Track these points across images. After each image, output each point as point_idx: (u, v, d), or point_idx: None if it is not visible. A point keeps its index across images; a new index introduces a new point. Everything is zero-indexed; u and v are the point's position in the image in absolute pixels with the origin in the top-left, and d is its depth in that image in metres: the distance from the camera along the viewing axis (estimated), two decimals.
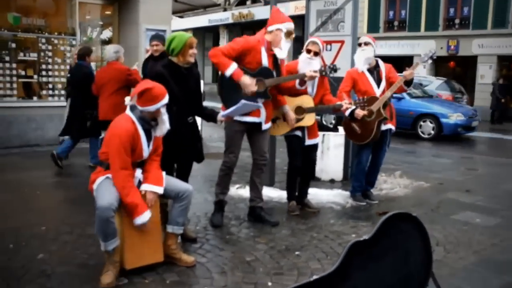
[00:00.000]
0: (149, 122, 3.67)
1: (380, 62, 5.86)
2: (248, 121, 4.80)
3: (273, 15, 4.91)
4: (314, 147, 5.49)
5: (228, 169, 4.95)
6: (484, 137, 14.55)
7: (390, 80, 5.79)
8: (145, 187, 3.70)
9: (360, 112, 5.49)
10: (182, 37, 4.18)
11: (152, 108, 3.63)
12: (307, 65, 5.10)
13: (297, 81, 5.10)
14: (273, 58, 4.84)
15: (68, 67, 9.95)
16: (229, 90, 4.74)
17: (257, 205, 5.11)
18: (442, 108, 13.37)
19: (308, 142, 5.36)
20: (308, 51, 5.17)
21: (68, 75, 8.60)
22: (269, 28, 4.79)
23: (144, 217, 3.58)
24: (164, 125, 3.75)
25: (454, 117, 13.02)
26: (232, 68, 4.58)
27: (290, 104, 5.18)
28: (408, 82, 5.69)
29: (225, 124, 4.88)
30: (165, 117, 3.73)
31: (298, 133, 5.30)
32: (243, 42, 4.73)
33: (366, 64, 5.70)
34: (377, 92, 5.70)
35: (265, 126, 4.96)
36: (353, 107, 5.29)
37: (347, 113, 5.54)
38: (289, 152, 5.42)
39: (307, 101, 5.21)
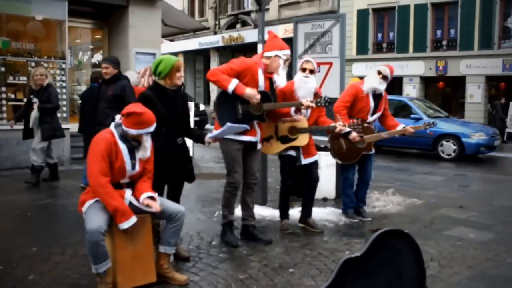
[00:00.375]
0: (129, 140, 3.67)
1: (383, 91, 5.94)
2: (245, 140, 4.82)
3: (271, 41, 4.96)
4: (314, 164, 5.44)
5: (234, 190, 4.91)
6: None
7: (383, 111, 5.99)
8: (144, 195, 3.68)
9: (356, 137, 5.60)
10: (169, 60, 4.18)
11: (133, 131, 3.62)
12: (303, 84, 5.17)
13: (293, 108, 5.11)
14: (270, 81, 4.91)
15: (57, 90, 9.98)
16: (224, 110, 4.77)
17: (250, 223, 5.09)
18: (463, 127, 13.07)
19: (305, 161, 5.34)
20: (304, 70, 5.22)
21: (79, 98, 8.58)
22: (267, 54, 4.86)
23: (130, 221, 3.52)
24: (145, 151, 3.73)
25: (476, 137, 12.65)
26: (234, 83, 4.63)
27: (284, 124, 5.21)
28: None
29: (222, 147, 4.88)
30: (147, 144, 3.72)
31: (292, 152, 5.29)
32: (240, 62, 4.79)
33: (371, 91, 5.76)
34: (370, 118, 5.80)
35: (258, 146, 5.03)
36: (348, 129, 5.32)
37: (343, 131, 5.56)
38: (282, 171, 5.41)
39: (301, 122, 5.22)
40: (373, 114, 5.87)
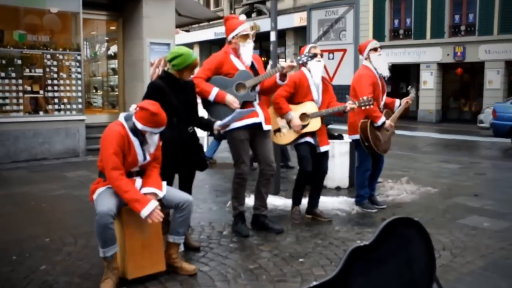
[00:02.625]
0: (138, 134, 3.68)
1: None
2: (248, 123, 4.77)
3: (225, 25, 5.00)
4: (325, 155, 5.42)
5: (242, 180, 4.90)
6: (492, 142, 14.42)
7: None
8: (145, 190, 3.69)
9: (390, 124, 5.71)
10: (187, 58, 4.14)
11: (139, 125, 3.63)
12: (317, 67, 5.21)
13: (277, 76, 4.90)
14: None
15: (73, 82, 10.10)
16: (216, 108, 4.77)
17: (261, 213, 5.09)
18: None
19: (322, 149, 5.32)
20: (315, 55, 5.18)
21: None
22: (228, 39, 4.90)
23: (149, 207, 3.51)
24: (150, 147, 3.74)
25: None
26: (214, 93, 4.67)
27: (294, 111, 5.19)
28: None
29: (228, 138, 4.87)
30: (150, 141, 3.71)
31: (310, 139, 5.26)
32: (212, 59, 4.85)
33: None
34: (381, 103, 5.77)
35: (266, 127, 4.91)
36: (358, 105, 5.24)
37: (379, 122, 5.61)
38: (300, 159, 5.33)
39: (311, 107, 5.19)
40: (382, 97, 5.87)
